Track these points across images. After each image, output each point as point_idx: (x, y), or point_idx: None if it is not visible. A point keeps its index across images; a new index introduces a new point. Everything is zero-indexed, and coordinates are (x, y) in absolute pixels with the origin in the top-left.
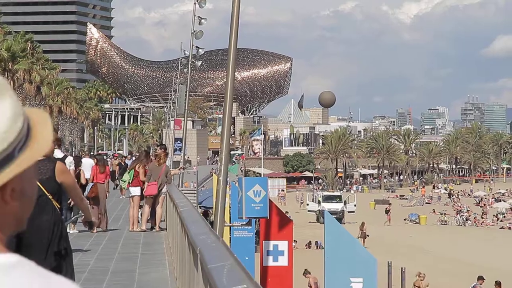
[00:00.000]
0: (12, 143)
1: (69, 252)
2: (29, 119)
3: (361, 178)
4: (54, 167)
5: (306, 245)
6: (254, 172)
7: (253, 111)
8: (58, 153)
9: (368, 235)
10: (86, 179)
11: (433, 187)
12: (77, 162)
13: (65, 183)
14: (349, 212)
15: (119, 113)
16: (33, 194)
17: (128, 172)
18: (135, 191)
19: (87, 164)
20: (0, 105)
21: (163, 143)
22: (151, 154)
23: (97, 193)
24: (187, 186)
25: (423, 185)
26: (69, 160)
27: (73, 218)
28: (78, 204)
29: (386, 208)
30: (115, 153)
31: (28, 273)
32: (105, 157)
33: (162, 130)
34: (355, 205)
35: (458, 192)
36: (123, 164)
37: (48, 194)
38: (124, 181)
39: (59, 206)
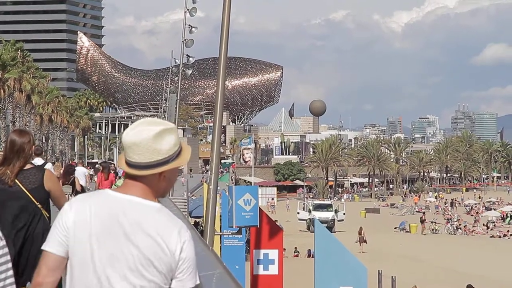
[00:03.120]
0: (171, 156)
1: None
2: (182, 147)
3: (351, 187)
4: (42, 176)
5: (294, 253)
6: (244, 180)
7: (244, 119)
8: (38, 161)
9: (366, 241)
10: (82, 186)
11: (419, 197)
12: (71, 170)
13: (52, 190)
14: (338, 220)
15: (109, 121)
16: (173, 182)
17: (124, 179)
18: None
19: (80, 172)
20: (171, 137)
21: None
22: None
23: None
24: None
25: (416, 194)
26: (49, 166)
27: None
28: None
29: (421, 218)
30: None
31: (170, 214)
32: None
33: None
34: (344, 214)
35: (447, 200)
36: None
37: (37, 203)
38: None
39: (48, 215)
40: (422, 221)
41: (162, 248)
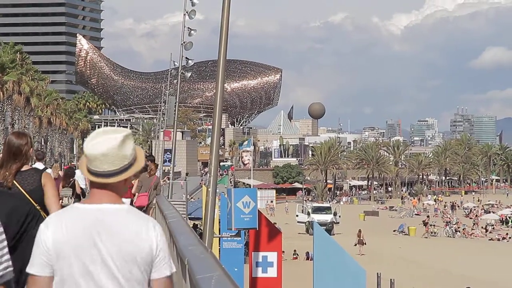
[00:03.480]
0: (133, 159)
1: None
2: (136, 151)
3: (350, 190)
4: (40, 177)
5: (293, 256)
6: (243, 183)
7: (243, 122)
8: (39, 166)
9: (365, 243)
10: (82, 188)
11: (419, 200)
12: (71, 173)
13: (45, 191)
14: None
15: (108, 124)
16: (130, 181)
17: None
18: (125, 202)
19: (80, 175)
20: (131, 142)
21: (152, 154)
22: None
23: None
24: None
25: (414, 197)
26: (48, 171)
27: None
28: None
29: (424, 221)
30: None
31: (138, 212)
32: None
33: (151, 141)
34: (339, 216)
35: (447, 203)
36: None
37: (36, 205)
38: None
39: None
40: (425, 224)
41: (140, 246)
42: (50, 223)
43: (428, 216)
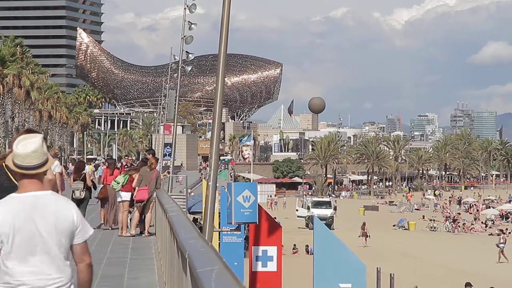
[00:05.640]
0: (47, 157)
1: None
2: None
3: (351, 184)
4: None
5: (293, 250)
6: (243, 177)
7: (243, 116)
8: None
9: (369, 235)
10: (92, 181)
11: (423, 195)
12: (82, 166)
13: None
14: None
15: (108, 118)
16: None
17: (124, 176)
18: (126, 196)
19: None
20: (44, 142)
21: (152, 148)
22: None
23: (106, 195)
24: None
25: (409, 191)
26: (54, 163)
27: None
28: None
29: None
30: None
31: (59, 195)
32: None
33: (151, 135)
34: (335, 209)
35: (451, 198)
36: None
37: None
38: (118, 183)
39: None
40: (450, 219)
41: (66, 220)
42: None
43: (455, 212)
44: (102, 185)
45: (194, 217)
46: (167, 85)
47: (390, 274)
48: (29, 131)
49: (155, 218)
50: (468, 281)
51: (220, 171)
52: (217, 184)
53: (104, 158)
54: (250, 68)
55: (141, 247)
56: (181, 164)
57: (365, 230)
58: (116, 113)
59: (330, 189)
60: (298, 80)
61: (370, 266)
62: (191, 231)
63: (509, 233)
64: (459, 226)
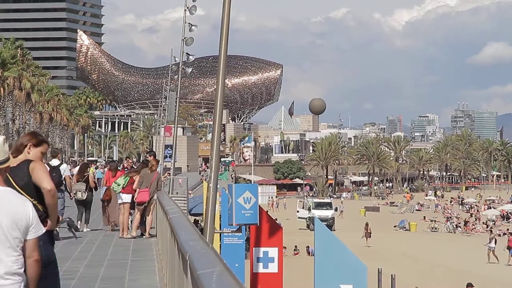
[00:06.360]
0: (8, 156)
1: (53, 260)
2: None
3: (351, 185)
4: (28, 169)
5: (294, 251)
6: (244, 179)
7: (244, 118)
8: (54, 162)
9: (371, 233)
10: (95, 182)
11: (426, 195)
12: (86, 168)
13: (33, 174)
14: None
15: (109, 120)
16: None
17: (124, 178)
18: (127, 198)
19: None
20: (6, 144)
21: (153, 150)
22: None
23: (111, 196)
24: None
25: (410, 191)
26: (63, 167)
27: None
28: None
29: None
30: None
31: (16, 192)
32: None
33: (152, 137)
34: (335, 210)
35: (454, 198)
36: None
37: (31, 199)
38: (119, 185)
39: (43, 208)
40: (466, 223)
41: (22, 215)
42: None
43: (470, 212)
44: (106, 187)
45: (195, 219)
46: (167, 86)
47: (391, 275)
48: (33, 134)
49: (156, 220)
50: (469, 281)
51: (221, 172)
52: (218, 186)
53: (104, 160)
54: (251, 70)
55: (142, 249)
56: (188, 166)
57: (368, 231)
58: (117, 115)
59: (331, 190)
60: (299, 81)
61: (371, 267)
62: (192, 233)
63: (510, 233)
64: (459, 227)
